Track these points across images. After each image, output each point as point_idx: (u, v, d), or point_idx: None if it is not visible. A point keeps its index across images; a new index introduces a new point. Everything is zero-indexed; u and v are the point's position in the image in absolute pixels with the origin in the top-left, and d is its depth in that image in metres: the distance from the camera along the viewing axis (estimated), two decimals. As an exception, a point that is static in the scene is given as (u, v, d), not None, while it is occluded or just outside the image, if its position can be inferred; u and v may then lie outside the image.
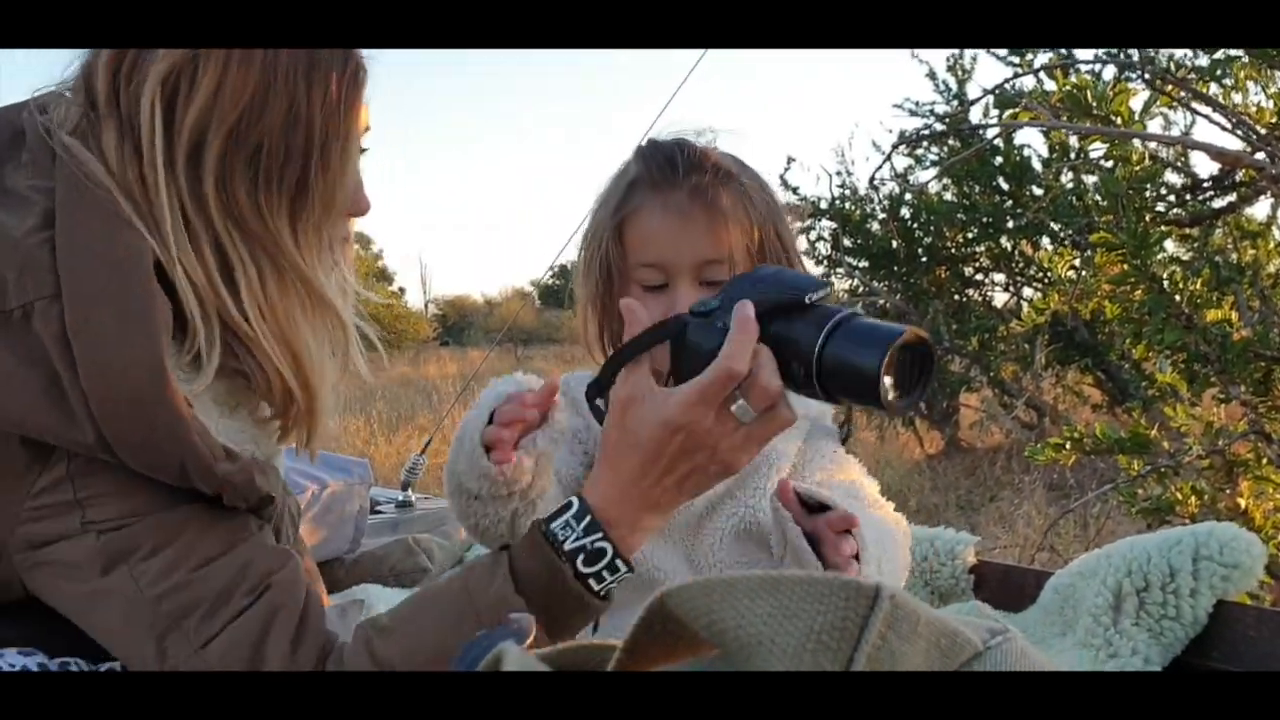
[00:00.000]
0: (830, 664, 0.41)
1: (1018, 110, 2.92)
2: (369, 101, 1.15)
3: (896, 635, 0.42)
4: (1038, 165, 5.33)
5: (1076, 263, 3.02)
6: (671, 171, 1.31)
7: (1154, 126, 3.22)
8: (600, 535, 1.06)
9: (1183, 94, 2.43)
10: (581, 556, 1.06)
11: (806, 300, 1.05)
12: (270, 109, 1.04)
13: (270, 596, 1.02)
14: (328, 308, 1.12)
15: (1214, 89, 2.43)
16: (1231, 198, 3.39)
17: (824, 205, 6.59)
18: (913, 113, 5.54)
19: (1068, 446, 2.49)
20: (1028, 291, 6.09)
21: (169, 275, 1.02)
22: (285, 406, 1.12)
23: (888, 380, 0.98)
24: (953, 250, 6.15)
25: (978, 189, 5.67)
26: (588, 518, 1.07)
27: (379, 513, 2.46)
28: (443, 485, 1.31)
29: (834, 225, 6.63)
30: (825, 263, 6.98)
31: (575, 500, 1.09)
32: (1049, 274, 3.08)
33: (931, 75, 5.59)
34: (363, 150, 1.18)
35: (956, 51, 5.33)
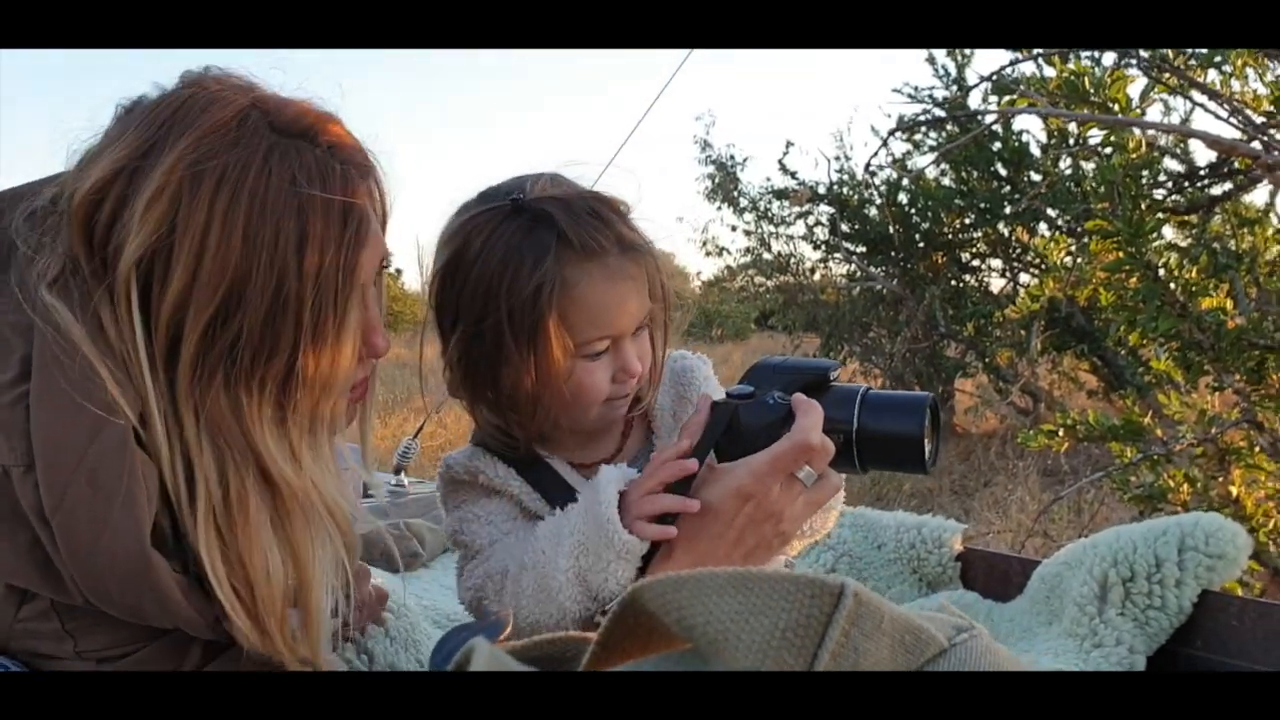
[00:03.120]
0: (795, 661, 0.42)
1: (1015, 97, 2.91)
2: (392, 206, 1.04)
3: (860, 632, 0.42)
4: (1036, 151, 5.33)
5: (1073, 249, 3.02)
6: (601, 226, 1.19)
7: (1153, 113, 3.22)
8: None
9: (1180, 82, 2.43)
10: None
11: (831, 378, 1.13)
12: (250, 296, 0.90)
13: None
14: (313, 507, 0.97)
15: (1212, 75, 2.42)
16: (1229, 185, 3.39)
17: (822, 190, 6.59)
18: (912, 98, 5.54)
19: (1061, 433, 2.49)
20: (1024, 278, 6.10)
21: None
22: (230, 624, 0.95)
23: (928, 444, 1.09)
24: (950, 236, 6.15)
25: (975, 175, 5.67)
26: None
27: (370, 497, 2.46)
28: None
29: (832, 210, 6.63)
30: (823, 247, 7.00)
31: None
32: (1045, 260, 3.07)
33: (931, 60, 5.58)
34: (385, 268, 1.07)
35: (956, 36, 5.32)
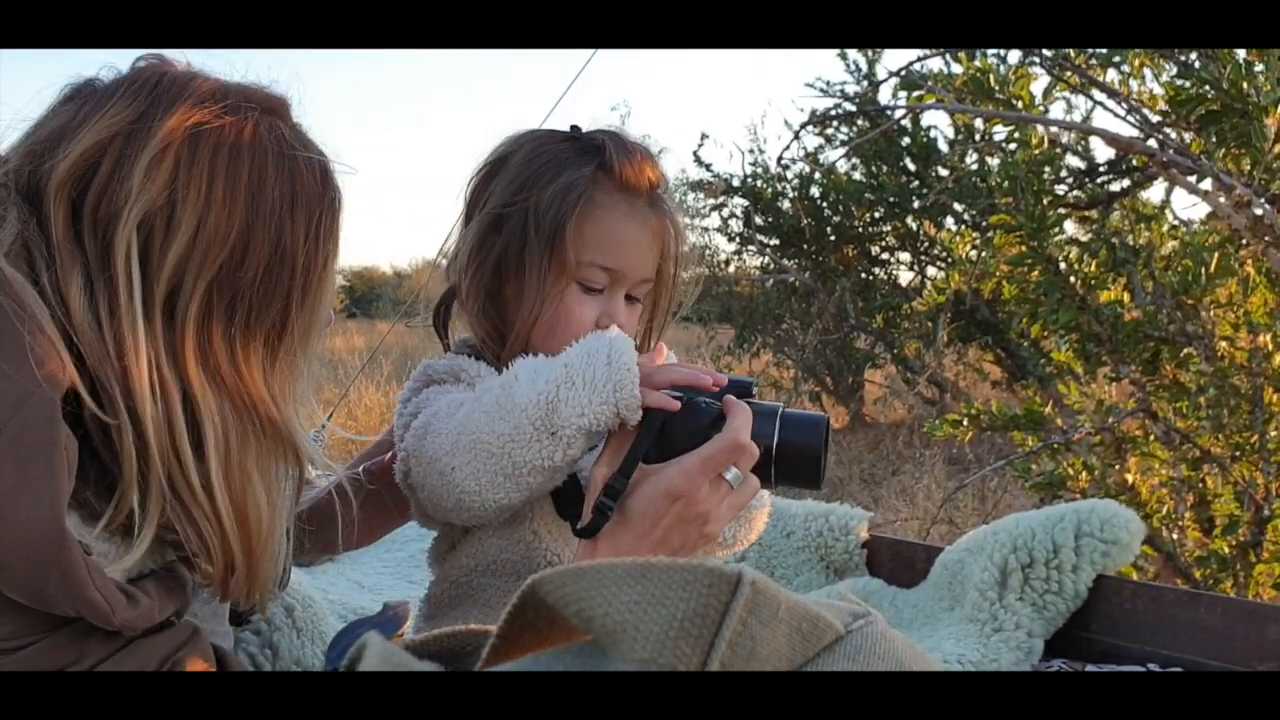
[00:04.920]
0: (692, 650, 0.41)
1: (923, 93, 2.96)
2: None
3: (757, 620, 0.42)
4: (943, 146, 5.43)
5: (978, 243, 3.09)
6: (646, 166, 1.25)
7: (1055, 111, 3.30)
8: None
9: (1081, 80, 2.49)
10: None
11: (753, 393, 1.14)
12: (253, 251, 0.96)
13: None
14: (290, 445, 1.03)
15: (1112, 75, 2.49)
16: (1127, 182, 3.50)
17: (736, 183, 6.63)
18: (824, 92, 5.59)
19: (965, 423, 2.55)
20: (931, 271, 6.23)
21: (107, 432, 0.91)
22: (224, 576, 1.00)
23: (826, 460, 1.12)
24: (860, 229, 6.25)
25: (885, 169, 5.76)
26: None
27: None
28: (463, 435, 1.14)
29: (746, 203, 6.68)
30: (738, 240, 7.05)
31: None
32: (951, 254, 3.13)
33: (842, 55, 5.64)
34: None
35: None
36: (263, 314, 0.98)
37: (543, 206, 1.22)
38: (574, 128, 1.29)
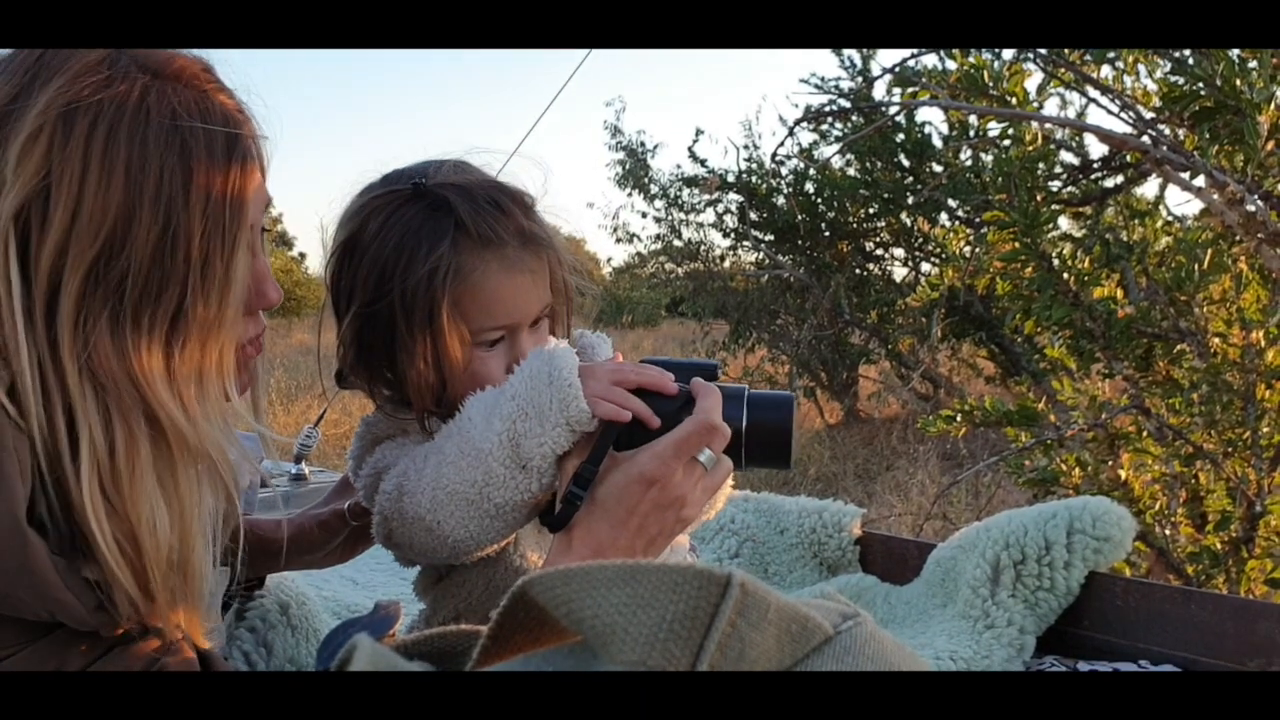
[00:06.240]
0: (681, 652, 0.41)
1: (917, 89, 2.96)
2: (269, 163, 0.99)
3: (746, 622, 0.42)
4: (938, 143, 5.44)
5: (971, 239, 3.09)
6: (501, 217, 1.17)
7: (1049, 107, 3.30)
8: None
9: (1075, 77, 2.49)
10: None
11: (718, 376, 1.14)
12: (136, 235, 0.86)
13: None
14: (200, 455, 0.92)
15: (1106, 71, 2.49)
16: (1120, 178, 3.50)
17: (731, 178, 6.64)
18: (818, 88, 5.58)
19: (958, 419, 2.55)
20: (925, 267, 6.24)
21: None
22: (132, 609, 0.90)
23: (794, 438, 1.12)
24: (854, 225, 6.26)
25: (879, 165, 5.77)
26: None
27: (268, 487, 2.41)
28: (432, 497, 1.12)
29: (741, 199, 6.69)
30: (733, 235, 7.07)
31: None
32: (945, 250, 3.14)
33: (837, 52, 5.64)
34: (268, 210, 1.02)
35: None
36: (155, 303, 0.88)
37: (409, 296, 1.15)
38: (415, 183, 1.20)
